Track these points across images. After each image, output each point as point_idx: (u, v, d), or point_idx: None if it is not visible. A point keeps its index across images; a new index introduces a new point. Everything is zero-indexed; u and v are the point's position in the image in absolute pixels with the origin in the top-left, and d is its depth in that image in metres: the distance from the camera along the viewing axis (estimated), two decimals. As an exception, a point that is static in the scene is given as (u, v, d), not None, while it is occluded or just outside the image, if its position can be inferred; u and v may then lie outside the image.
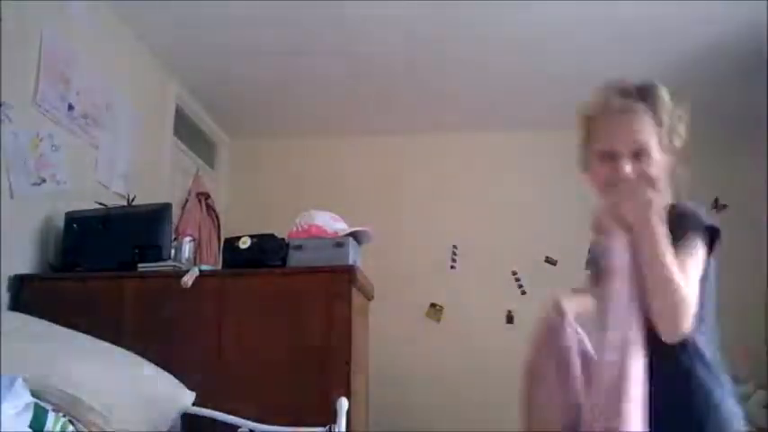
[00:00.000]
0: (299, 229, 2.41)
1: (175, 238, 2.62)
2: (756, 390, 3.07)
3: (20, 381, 1.36)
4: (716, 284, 1.22)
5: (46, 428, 1.37)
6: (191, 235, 2.75)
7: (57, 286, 2.31)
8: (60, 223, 2.45)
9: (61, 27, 2.58)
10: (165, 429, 1.83)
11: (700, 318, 1.10)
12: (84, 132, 2.71)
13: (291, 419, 2.02)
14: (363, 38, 3.23)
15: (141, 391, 1.74)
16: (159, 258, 2.32)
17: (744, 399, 3.16)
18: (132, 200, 2.68)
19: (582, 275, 4.49)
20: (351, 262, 2.29)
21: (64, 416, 1.46)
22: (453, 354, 4.02)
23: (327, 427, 1.94)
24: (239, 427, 2.01)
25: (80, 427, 1.49)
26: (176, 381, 1.95)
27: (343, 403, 1.96)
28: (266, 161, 4.49)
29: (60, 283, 2.33)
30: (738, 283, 3.94)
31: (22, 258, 2.32)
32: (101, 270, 2.33)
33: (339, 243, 2.32)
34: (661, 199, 1.19)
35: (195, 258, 2.92)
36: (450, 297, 4.13)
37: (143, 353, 1.96)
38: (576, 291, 1.37)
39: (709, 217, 1.23)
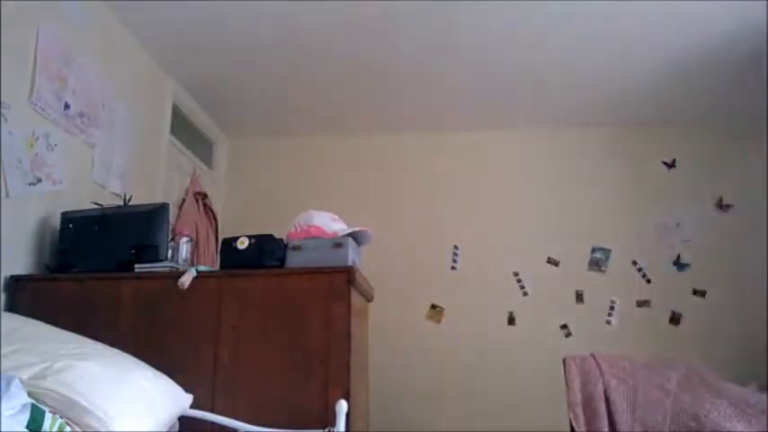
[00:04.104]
0: (298, 229, 2.39)
1: (172, 239, 2.60)
2: (759, 391, 3.05)
3: (16, 381, 1.34)
4: None
5: (43, 429, 1.35)
6: (188, 235, 2.72)
7: (53, 287, 2.29)
8: (56, 223, 2.42)
9: (57, 26, 2.56)
10: (163, 432, 1.81)
11: None
12: (81, 132, 2.68)
13: (290, 422, 2.01)
14: (363, 36, 3.21)
15: (138, 393, 1.72)
16: (156, 259, 2.30)
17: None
18: (129, 200, 2.65)
19: (581, 277, 4.51)
20: (350, 263, 2.27)
21: (61, 417, 1.44)
22: (454, 355, 4.00)
23: (327, 430, 1.92)
24: (237, 429, 1.99)
25: (77, 429, 1.47)
26: (174, 383, 1.93)
27: (343, 405, 1.94)
28: (264, 161, 4.47)
29: (56, 284, 2.30)
30: (739, 283, 3.94)
31: (17, 259, 2.30)
32: (97, 271, 2.31)
33: (338, 244, 2.30)
34: None
35: (192, 259, 2.90)
36: (450, 298, 4.11)
37: (140, 354, 1.93)
38: None
39: None
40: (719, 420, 2.22)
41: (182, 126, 3.90)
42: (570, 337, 3.99)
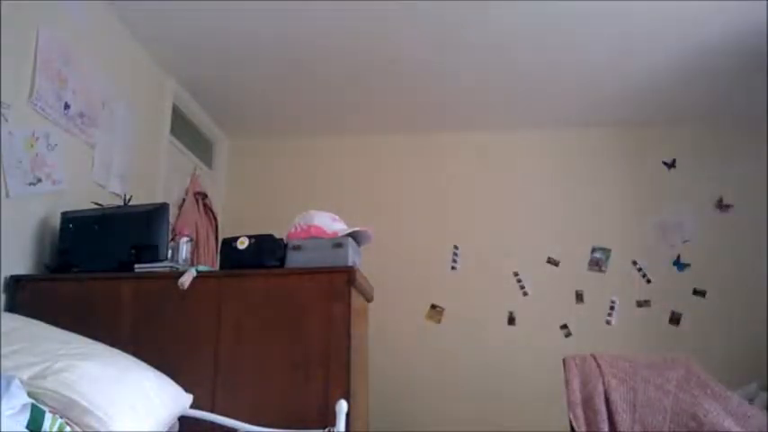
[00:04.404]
0: (298, 229, 2.39)
1: (172, 239, 2.60)
2: (759, 391, 3.05)
3: (16, 381, 1.34)
4: None
5: (43, 429, 1.35)
6: (188, 235, 2.72)
7: (53, 287, 2.29)
8: (56, 223, 2.42)
9: (57, 26, 2.56)
10: (163, 432, 1.81)
11: None
12: (81, 132, 2.68)
13: (290, 422, 2.01)
14: (363, 36, 3.21)
15: (138, 393, 1.72)
16: (156, 259, 2.30)
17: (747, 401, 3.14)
18: (129, 200, 2.65)
19: (581, 277, 4.52)
20: (350, 263, 2.27)
21: (61, 417, 1.44)
22: (454, 356, 4.00)
23: (327, 430, 1.92)
24: (237, 429, 1.99)
25: (77, 429, 1.47)
26: (174, 383, 1.93)
27: (343, 405, 1.95)
28: (264, 161, 4.47)
29: (56, 284, 2.30)
30: (739, 283, 3.94)
31: (17, 259, 2.30)
32: (97, 271, 2.30)
33: (338, 244, 2.30)
34: None
35: (192, 259, 2.90)
36: (450, 298, 4.11)
37: (140, 354, 1.93)
38: None
39: None
40: (719, 421, 2.22)
41: (182, 126, 3.90)
42: (570, 337, 3.99)
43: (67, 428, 1.43)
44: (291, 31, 3.15)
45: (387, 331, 3.72)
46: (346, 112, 4.13)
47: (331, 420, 1.94)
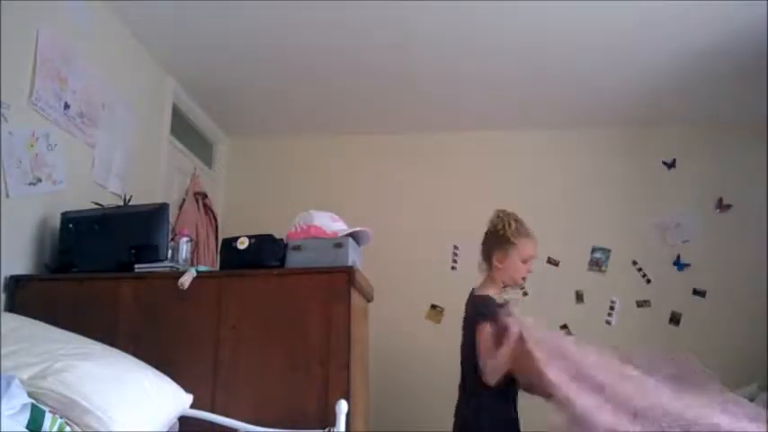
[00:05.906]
0: (298, 229, 2.39)
1: (172, 239, 2.60)
2: (759, 392, 3.06)
3: (16, 381, 1.34)
4: None
5: (43, 429, 1.35)
6: (188, 235, 2.72)
7: (53, 287, 2.29)
8: (56, 224, 2.42)
9: (57, 25, 2.56)
10: (163, 432, 1.81)
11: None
12: (81, 132, 2.68)
13: (290, 422, 2.01)
14: (363, 37, 3.21)
15: (138, 393, 1.72)
16: (156, 259, 2.30)
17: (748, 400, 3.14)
18: (129, 200, 2.65)
19: (581, 277, 4.47)
20: (350, 263, 2.27)
21: (61, 417, 1.44)
22: (454, 356, 3.99)
23: (327, 430, 1.92)
24: (237, 429, 1.99)
25: (77, 429, 1.47)
26: (174, 383, 1.93)
27: (343, 405, 1.95)
28: (265, 160, 4.47)
29: (56, 284, 2.30)
30: (739, 283, 3.94)
31: (17, 259, 2.30)
32: (97, 271, 2.30)
33: (338, 244, 2.30)
34: None
35: (193, 259, 2.90)
36: (450, 298, 4.10)
37: (140, 354, 1.94)
38: None
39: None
40: (713, 419, 2.21)
41: (182, 126, 3.90)
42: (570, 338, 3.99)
43: (67, 428, 1.43)
44: (292, 31, 3.15)
45: (387, 331, 3.71)
46: (346, 112, 4.13)
47: (331, 420, 1.94)
